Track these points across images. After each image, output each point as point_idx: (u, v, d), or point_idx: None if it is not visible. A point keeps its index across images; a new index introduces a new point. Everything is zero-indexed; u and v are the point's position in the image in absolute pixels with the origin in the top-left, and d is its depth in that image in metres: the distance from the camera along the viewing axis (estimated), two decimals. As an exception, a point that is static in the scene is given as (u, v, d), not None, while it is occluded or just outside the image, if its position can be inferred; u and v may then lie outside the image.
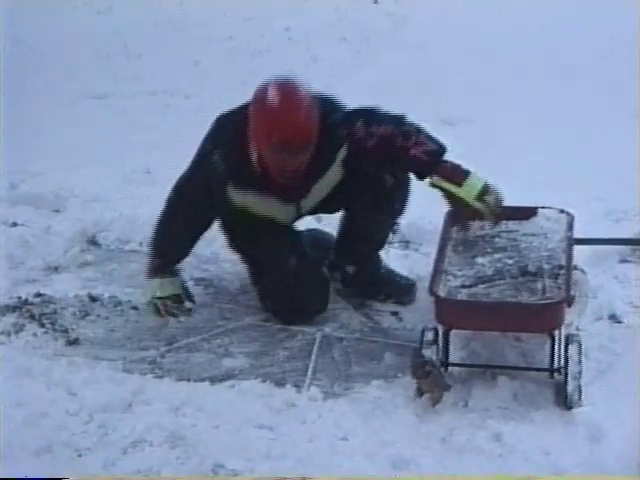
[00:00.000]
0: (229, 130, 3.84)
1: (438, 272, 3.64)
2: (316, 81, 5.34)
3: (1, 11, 6.54)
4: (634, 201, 4.71)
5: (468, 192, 3.60)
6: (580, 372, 3.45)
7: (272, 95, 3.61)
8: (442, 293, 3.56)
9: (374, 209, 3.92)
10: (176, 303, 4.06)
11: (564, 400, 3.45)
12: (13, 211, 4.70)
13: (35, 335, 3.92)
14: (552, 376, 3.56)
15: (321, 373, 3.72)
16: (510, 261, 3.71)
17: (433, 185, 3.64)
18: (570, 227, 3.84)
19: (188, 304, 4.07)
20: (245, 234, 4.02)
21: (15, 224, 4.63)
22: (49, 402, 3.50)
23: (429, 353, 3.53)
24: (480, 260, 3.75)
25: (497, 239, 3.85)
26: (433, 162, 3.64)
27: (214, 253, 4.45)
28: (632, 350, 3.74)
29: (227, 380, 3.67)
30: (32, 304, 4.09)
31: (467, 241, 3.87)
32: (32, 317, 4.01)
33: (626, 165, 4.99)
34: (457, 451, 3.31)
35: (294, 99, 3.63)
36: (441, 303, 3.54)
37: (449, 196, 3.63)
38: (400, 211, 4.02)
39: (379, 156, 3.74)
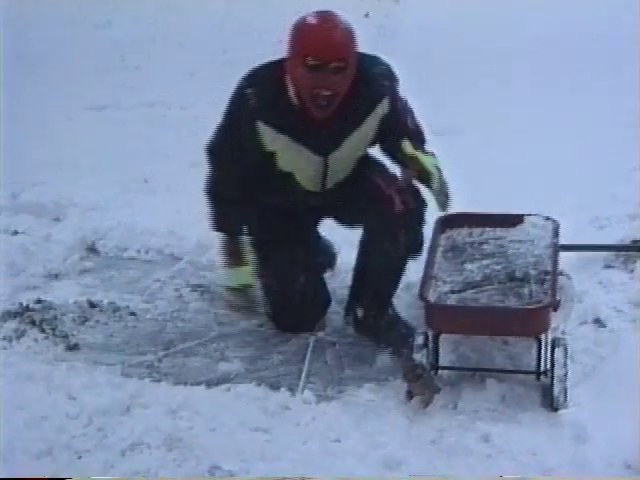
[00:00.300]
0: (264, 69, 3.72)
1: (428, 278, 3.64)
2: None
3: (3, 26, 6.54)
4: (618, 209, 4.72)
5: (429, 161, 3.61)
6: (566, 375, 3.45)
7: (308, 16, 3.58)
8: (432, 298, 3.56)
9: (385, 236, 3.79)
10: (243, 295, 3.90)
11: (550, 402, 3.45)
12: (14, 220, 4.70)
13: (36, 340, 3.91)
14: (539, 379, 3.56)
15: (314, 377, 3.72)
16: (498, 267, 3.71)
17: (402, 153, 3.64)
18: (556, 234, 3.84)
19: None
20: (265, 234, 3.91)
21: (16, 232, 4.63)
22: (50, 405, 3.50)
23: (420, 357, 3.53)
24: (469, 266, 3.74)
25: (485, 245, 3.84)
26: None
27: (210, 260, 4.44)
28: (616, 353, 3.74)
29: (223, 384, 3.67)
30: (33, 310, 4.08)
31: (456, 247, 3.86)
32: (33, 323, 4.00)
33: (610, 173, 5.00)
34: (447, 452, 3.30)
35: (329, 17, 3.58)
36: (431, 308, 3.53)
37: (411, 161, 3.63)
38: (412, 246, 3.83)
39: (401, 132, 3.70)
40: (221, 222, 3.88)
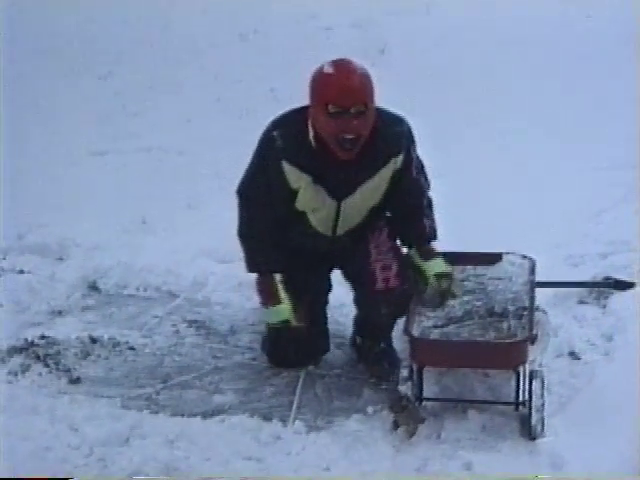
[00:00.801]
0: (290, 114, 3.71)
1: (412, 313, 3.65)
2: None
3: (12, 78, 6.57)
4: (590, 247, 4.74)
5: (431, 267, 3.70)
6: (543, 405, 3.46)
7: (326, 65, 3.56)
8: (416, 333, 3.56)
9: (367, 306, 3.85)
10: (285, 329, 3.79)
11: (528, 432, 3.46)
12: (20, 259, 4.70)
13: (40, 374, 3.90)
14: (517, 409, 3.56)
15: (305, 408, 3.72)
16: (478, 303, 3.72)
17: (407, 256, 3.77)
18: (532, 271, 3.85)
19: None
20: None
21: (22, 271, 4.63)
22: (53, 437, 3.50)
23: (405, 389, 3.53)
24: (451, 302, 3.75)
25: (466, 282, 3.85)
26: (428, 239, 3.77)
27: (205, 297, 4.45)
28: (590, 384, 3.76)
29: (217, 415, 3.67)
30: (37, 345, 4.08)
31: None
32: (37, 358, 4.00)
33: (582, 215, 5.02)
34: (431, 480, 3.32)
35: (345, 64, 3.57)
36: (415, 342, 3.53)
37: (415, 268, 3.73)
38: (396, 313, 3.78)
39: (408, 194, 3.75)
40: (255, 262, 3.80)
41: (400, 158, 3.66)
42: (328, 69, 3.55)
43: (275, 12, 8.12)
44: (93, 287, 4.56)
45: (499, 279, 3.86)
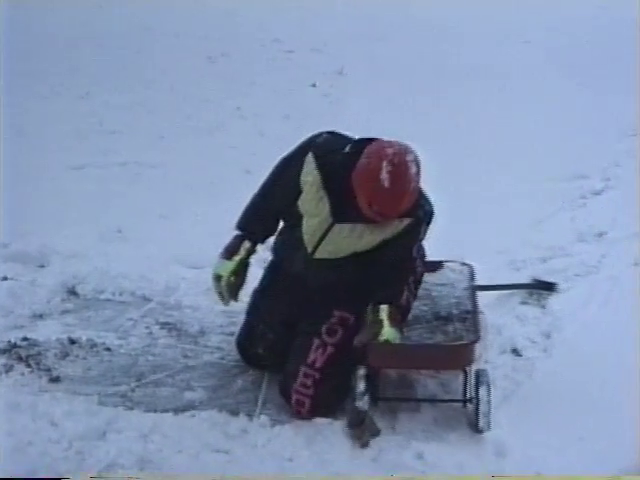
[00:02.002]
0: (348, 138, 3.54)
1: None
2: (263, 152, 5.41)
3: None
4: (531, 253, 4.77)
5: (386, 333, 3.42)
6: (489, 402, 3.43)
7: (385, 171, 3.28)
8: None
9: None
10: (218, 282, 3.66)
11: (475, 427, 3.45)
12: (4, 267, 4.64)
13: (22, 374, 3.85)
14: (465, 406, 3.55)
15: (270, 403, 3.69)
16: (425, 308, 3.71)
17: (374, 311, 3.46)
18: (472, 277, 3.86)
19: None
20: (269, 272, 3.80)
21: (5, 278, 4.57)
22: (34, 432, 3.45)
23: (362, 404, 3.43)
24: None
25: None
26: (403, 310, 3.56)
27: (177, 301, 4.41)
28: (530, 379, 3.78)
29: (188, 410, 3.63)
30: (20, 347, 4.02)
31: None
32: (20, 358, 3.94)
33: (523, 223, 5.05)
34: (386, 468, 3.31)
35: (404, 177, 3.30)
36: (372, 346, 3.48)
37: (374, 323, 3.45)
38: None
39: (400, 263, 3.53)
40: (241, 220, 3.69)
41: (407, 222, 3.45)
42: (385, 178, 3.27)
43: (241, 37, 8.15)
44: (72, 292, 4.51)
45: (442, 285, 3.87)
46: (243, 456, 3.36)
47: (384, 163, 3.29)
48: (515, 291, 4.39)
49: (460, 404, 3.56)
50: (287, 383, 3.62)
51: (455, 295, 3.78)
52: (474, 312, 3.64)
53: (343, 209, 3.47)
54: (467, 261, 3.94)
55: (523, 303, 4.35)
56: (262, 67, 7.51)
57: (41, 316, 4.30)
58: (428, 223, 3.54)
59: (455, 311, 3.68)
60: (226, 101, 6.86)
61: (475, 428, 3.45)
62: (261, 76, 7.34)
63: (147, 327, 4.24)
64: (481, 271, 4.00)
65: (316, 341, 3.61)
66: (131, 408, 3.64)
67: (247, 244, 3.66)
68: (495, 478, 3.16)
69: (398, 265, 3.54)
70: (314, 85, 7.17)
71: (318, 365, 3.58)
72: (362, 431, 3.43)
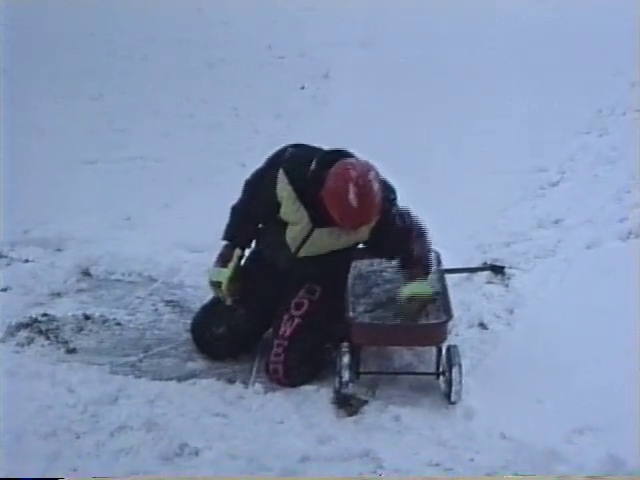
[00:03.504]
0: (315, 150, 3.53)
1: (347, 301, 3.61)
2: (257, 148, 5.41)
3: (16, 99, 6.48)
4: (497, 238, 4.78)
5: (405, 290, 3.52)
6: (460, 374, 3.43)
7: (352, 192, 3.31)
8: (353, 317, 3.53)
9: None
10: (219, 288, 3.69)
11: (448, 397, 3.46)
12: (25, 251, 4.64)
13: (42, 346, 3.87)
14: (438, 378, 3.55)
15: (263, 372, 3.69)
16: (398, 290, 3.62)
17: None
18: (438, 261, 3.85)
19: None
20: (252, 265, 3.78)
21: (27, 260, 4.57)
22: (53, 397, 3.49)
23: (347, 391, 3.44)
24: (375, 290, 3.72)
25: (384, 273, 3.83)
26: (413, 263, 3.57)
27: (180, 280, 4.42)
28: (495, 349, 3.82)
29: (190, 379, 3.66)
30: (40, 322, 4.03)
31: (362, 275, 3.82)
32: (40, 332, 3.96)
33: (490, 211, 5.05)
34: (366, 429, 3.34)
35: (368, 194, 3.33)
36: (355, 325, 3.49)
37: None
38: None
39: (396, 239, 3.55)
40: (228, 232, 3.74)
41: (377, 217, 3.46)
42: (352, 199, 3.30)
43: (237, 44, 8.13)
44: (86, 273, 4.51)
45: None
46: (239, 419, 3.39)
47: (350, 185, 3.33)
48: (482, 272, 4.41)
49: (434, 376, 3.57)
50: (266, 359, 3.65)
51: None
52: (444, 293, 3.64)
53: (320, 216, 3.50)
54: (436, 248, 3.91)
55: (489, 282, 4.37)
56: (256, 71, 7.48)
57: (59, 294, 4.31)
58: (394, 199, 3.57)
59: None
60: (224, 102, 6.84)
61: (448, 400, 3.46)
62: (255, 79, 7.32)
63: (153, 304, 4.25)
64: (455, 254, 4.02)
65: (285, 316, 3.64)
66: (139, 377, 3.67)
67: (238, 251, 3.71)
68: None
69: (393, 245, 3.57)
70: (303, 87, 7.15)
71: (287, 335, 3.60)
72: (350, 408, 3.44)
